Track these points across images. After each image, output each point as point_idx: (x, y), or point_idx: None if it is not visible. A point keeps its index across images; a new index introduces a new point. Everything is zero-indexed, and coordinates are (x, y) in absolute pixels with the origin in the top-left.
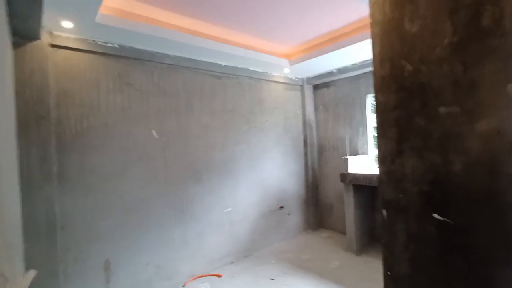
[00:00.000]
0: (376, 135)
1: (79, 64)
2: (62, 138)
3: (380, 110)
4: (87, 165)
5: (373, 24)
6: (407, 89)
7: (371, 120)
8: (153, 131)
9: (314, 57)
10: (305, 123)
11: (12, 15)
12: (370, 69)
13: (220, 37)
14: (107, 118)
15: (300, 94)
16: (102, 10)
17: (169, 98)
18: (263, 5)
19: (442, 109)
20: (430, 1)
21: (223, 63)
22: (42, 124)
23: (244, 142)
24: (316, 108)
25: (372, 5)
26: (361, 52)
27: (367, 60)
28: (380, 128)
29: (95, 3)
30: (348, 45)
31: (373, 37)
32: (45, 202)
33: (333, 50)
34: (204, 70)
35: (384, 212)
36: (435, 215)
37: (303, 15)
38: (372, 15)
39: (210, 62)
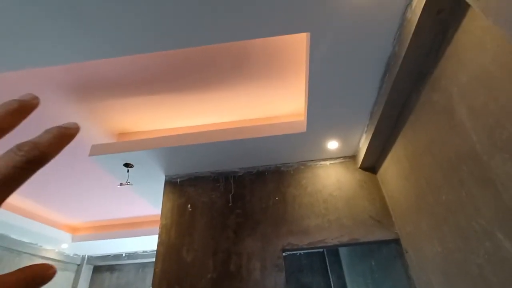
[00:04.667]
0: None
1: None
2: None
3: None
4: None
5: (160, 243)
6: None
7: None
8: None
9: (104, 239)
10: None
11: None
12: None
13: None
14: None
15: (74, 277)
16: None
17: None
18: (53, 175)
19: None
20: (202, 239)
21: None
22: None
23: None
24: None
25: (161, 226)
26: (153, 241)
27: None
28: None
29: None
30: (142, 235)
31: (158, 255)
32: None
33: (126, 236)
34: None
35: None
36: None
37: (98, 193)
38: (160, 234)
39: None
